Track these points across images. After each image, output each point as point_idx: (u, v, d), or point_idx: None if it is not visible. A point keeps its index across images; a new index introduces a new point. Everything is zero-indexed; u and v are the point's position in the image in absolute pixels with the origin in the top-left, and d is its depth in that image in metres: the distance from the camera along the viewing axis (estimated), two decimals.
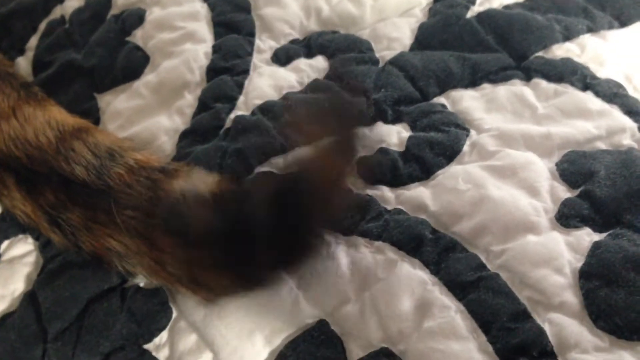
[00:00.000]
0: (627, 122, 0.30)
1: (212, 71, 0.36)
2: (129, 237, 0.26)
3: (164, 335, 0.26)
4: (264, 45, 0.37)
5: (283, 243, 0.24)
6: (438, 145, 0.30)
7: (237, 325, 0.25)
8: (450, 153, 0.30)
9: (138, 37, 0.38)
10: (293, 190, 0.24)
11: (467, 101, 0.32)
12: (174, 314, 0.27)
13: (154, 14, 0.39)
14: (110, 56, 0.38)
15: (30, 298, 0.29)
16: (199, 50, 0.37)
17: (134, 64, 0.37)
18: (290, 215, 0.23)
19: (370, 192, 0.29)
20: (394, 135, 0.31)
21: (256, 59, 0.36)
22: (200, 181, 0.27)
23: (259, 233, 0.23)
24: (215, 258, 0.24)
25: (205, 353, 0.25)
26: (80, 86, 0.37)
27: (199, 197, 0.26)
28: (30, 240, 0.31)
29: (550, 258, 0.25)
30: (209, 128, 0.33)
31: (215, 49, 0.37)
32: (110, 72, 0.37)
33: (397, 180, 0.29)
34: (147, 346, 0.26)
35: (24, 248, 0.31)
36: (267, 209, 0.24)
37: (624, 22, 0.34)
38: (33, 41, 0.41)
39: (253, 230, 0.23)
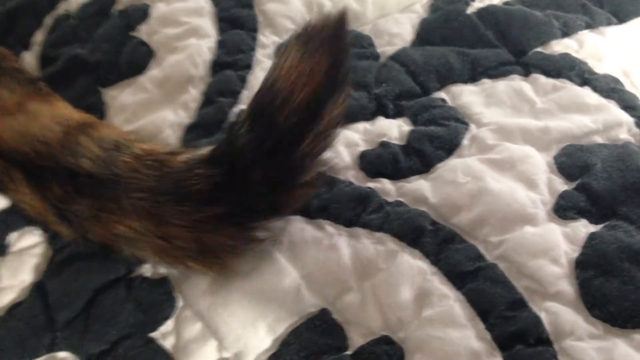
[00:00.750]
0: (624, 116, 0.30)
1: (217, 66, 0.36)
2: (138, 219, 0.26)
3: (169, 324, 0.27)
4: (267, 40, 0.37)
5: (274, 171, 0.24)
6: (438, 139, 0.30)
7: (241, 314, 0.26)
8: (449, 147, 0.30)
9: (143, 32, 0.39)
10: (267, 103, 0.23)
11: (466, 96, 0.32)
12: (180, 304, 0.27)
13: (158, 9, 0.39)
14: (115, 51, 0.38)
15: (38, 288, 0.29)
16: (203, 45, 0.37)
17: (138, 59, 0.37)
18: (272, 132, 0.23)
19: (371, 184, 0.29)
20: (395, 129, 0.31)
21: (259, 54, 0.37)
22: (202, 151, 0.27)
23: (251, 171, 0.23)
24: (219, 215, 0.24)
25: (210, 341, 0.26)
26: (86, 81, 0.37)
27: (200, 158, 0.26)
28: (38, 232, 0.31)
29: (547, 249, 0.26)
30: (213, 122, 0.33)
31: (220, 44, 0.37)
32: (115, 67, 0.37)
33: (397, 173, 0.30)
34: (154, 334, 0.27)
35: (32, 239, 0.31)
36: (251, 135, 0.23)
37: (622, 19, 0.35)
38: (38, 36, 0.42)
39: (246, 171, 0.23)
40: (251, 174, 0.23)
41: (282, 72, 0.23)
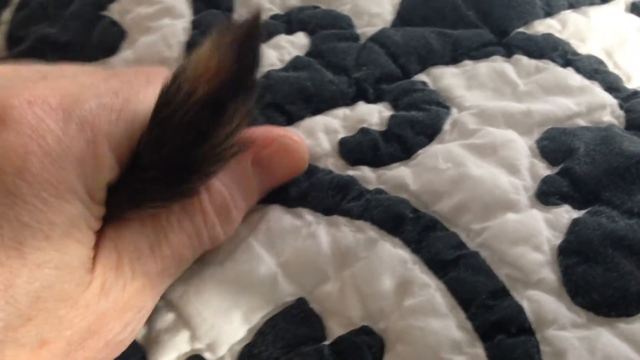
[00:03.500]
0: (608, 98, 0.30)
1: (191, 47, 0.35)
2: None
3: None
4: None
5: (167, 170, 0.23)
6: (419, 124, 0.30)
7: (214, 303, 0.25)
8: (431, 132, 0.29)
9: (114, 11, 0.38)
10: (171, 96, 0.22)
11: (447, 78, 0.32)
12: None
13: None
14: (85, 31, 0.37)
15: None
16: (178, 25, 0.36)
17: (110, 40, 0.36)
18: (169, 130, 0.22)
19: (351, 172, 0.28)
20: (375, 114, 0.30)
21: None
22: None
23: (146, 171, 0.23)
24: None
25: (182, 331, 0.25)
26: (55, 61, 0.36)
27: None
28: None
29: (529, 235, 0.25)
30: None
31: (195, 24, 0.36)
32: (86, 48, 0.36)
33: (378, 161, 0.29)
34: None
35: None
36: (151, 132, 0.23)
37: None
38: (6, 14, 0.40)
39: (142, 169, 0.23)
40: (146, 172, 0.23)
41: (190, 66, 0.23)
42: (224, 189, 0.25)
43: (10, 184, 0.19)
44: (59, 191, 0.20)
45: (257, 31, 0.23)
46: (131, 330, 0.24)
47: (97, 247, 0.22)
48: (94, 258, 0.22)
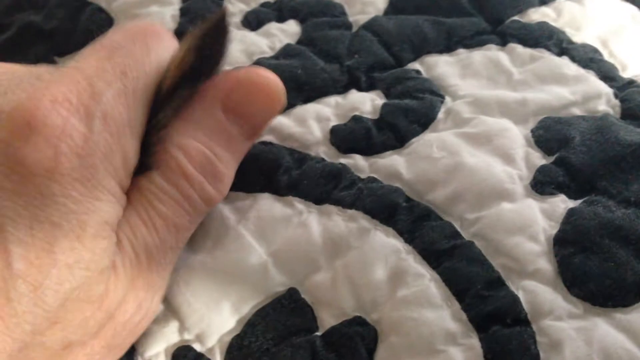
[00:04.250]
0: (603, 87, 0.29)
1: (179, 35, 0.34)
2: None
3: None
4: (234, 8, 0.36)
5: None
6: (412, 113, 0.29)
7: (203, 294, 0.25)
8: (424, 120, 0.29)
9: None
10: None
11: (441, 67, 0.31)
12: None
13: None
14: (71, 18, 0.36)
15: None
16: (166, 13, 0.35)
17: (97, 27, 0.35)
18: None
19: (343, 160, 0.28)
20: (367, 102, 0.30)
21: None
22: None
23: None
24: None
25: (172, 322, 0.25)
26: (41, 49, 0.35)
27: None
28: None
29: (525, 225, 0.25)
30: None
31: (183, 11, 0.35)
32: (72, 35, 0.35)
33: (371, 149, 0.28)
34: None
35: None
36: None
37: None
38: None
39: None
40: None
41: (171, 59, 0.24)
42: (200, 145, 0.24)
43: (42, 185, 0.19)
44: (89, 190, 0.20)
45: (220, 28, 0.24)
46: (145, 310, 0.23)
47: None
48: None
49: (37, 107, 0.19)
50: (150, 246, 0.23)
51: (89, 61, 0.22)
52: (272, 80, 0.25)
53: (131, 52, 0.23)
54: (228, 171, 0.25)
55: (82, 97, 0.21)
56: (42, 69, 0.22)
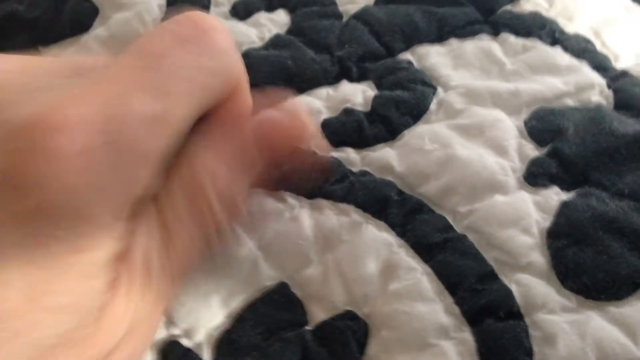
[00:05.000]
0: (596, 78, 0.29)
1: None
2: None
3: None
4: None
5: None
6: (404, 104, 0.29)
7: (192, 287, 0.24)
8: (416, 112, 0.29)
9: None
10: None
11: (433, 57, 0.31)
12: None
13: None
14: (55, 7, 0.35)
15: None
16: (152, 2, 0.35)
17: (82, 16, 0.35)
18: None
19: (335, 154, 0.28)
20: (359, 94, 0.29)
21: (213, 12, 0.34)
22: None
23: None
24: None
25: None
26: (25, 39, 0.35)
27: None
28: None
29: (518, 218, 0.25)
30: None
31: (170, 1, 0.35)
32: (56, 25, 0.35)
33: (362, 142, 0.28)
34: None
35: None
36: None
37: None
38: None
39: None
40: None
41: None
42: (227, 175, 0.22)
43: (55, 216, 0.17)
44: (74, 227, 0.18)
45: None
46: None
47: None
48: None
49: (57, 128, 0.17)
50: (160, 270, 0.21)
51: (121, 74, 0.19)
52: (310, 131, 0.24)
53: (178, 65, 0.19)
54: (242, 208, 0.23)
55: (107, 119, 0.18)
56: (67, 69, 0.20)
